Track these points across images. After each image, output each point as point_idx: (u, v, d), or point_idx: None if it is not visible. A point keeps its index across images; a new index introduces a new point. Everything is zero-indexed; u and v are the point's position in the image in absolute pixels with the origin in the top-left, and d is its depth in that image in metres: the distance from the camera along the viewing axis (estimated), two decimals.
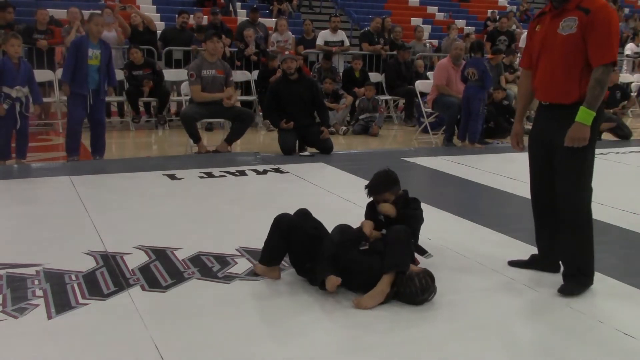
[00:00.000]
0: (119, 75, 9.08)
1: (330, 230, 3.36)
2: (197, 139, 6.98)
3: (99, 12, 7.35)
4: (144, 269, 3.39)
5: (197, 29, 9.88)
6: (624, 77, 12.70)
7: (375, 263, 3.07)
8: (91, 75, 6.30)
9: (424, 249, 3.57)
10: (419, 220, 3.45)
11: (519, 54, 11.62)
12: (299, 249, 3.27)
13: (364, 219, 3.49)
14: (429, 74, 10.61)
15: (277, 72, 8.79)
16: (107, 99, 9.33)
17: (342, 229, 3.31)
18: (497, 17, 13.17)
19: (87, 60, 6.23)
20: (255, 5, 12.23)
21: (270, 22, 12.12)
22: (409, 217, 3.36)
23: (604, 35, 3.04)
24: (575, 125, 3.06)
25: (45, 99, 7.93)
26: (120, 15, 9.75)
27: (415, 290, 2.97)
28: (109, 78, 6.52)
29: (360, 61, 10.26)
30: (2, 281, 3.17)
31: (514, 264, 3.56)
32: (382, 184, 3.43)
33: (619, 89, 9.41)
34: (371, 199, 3.50)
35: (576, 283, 3.23)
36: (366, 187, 3.47)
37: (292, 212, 3.43)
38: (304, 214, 3.43)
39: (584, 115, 3.04)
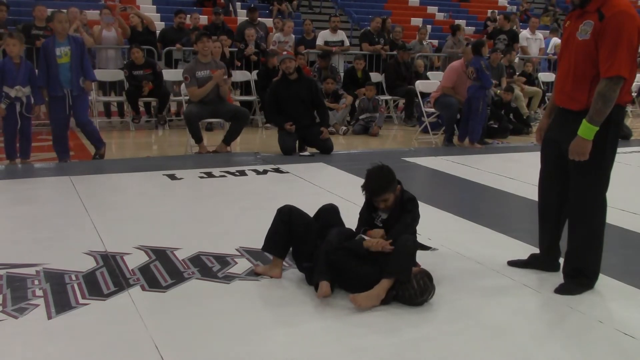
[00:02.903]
0: (119, 75, 9.12)
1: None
2: (199, 139, 6.99)
3: (64, 10, 7.15)
4: (144, 269, 3.39)
5: (193, 31, 9.88)
6: None
7: (371, 274, 3.04)
8: (64, 74, 6.14)
9: (426, 245, 3.56)
10: (414, 226, 3.33)
11: (518, 54, 11.64)
12: (299, 234, 3.30)
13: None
14: (429, 74, 10.62)
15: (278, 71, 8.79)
16: (107, 99, 9.43)
17: (340, 232, 3.30)
18: (497, 16, 13.13)
19: (55, 60, 6.09)
20: (252, 5, 12.23)
21: (270, 22, 12.12)
22: (406, 226, 3.24)
23: (612, 46, 2.89)
24: (577, 139, 2.99)
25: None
26: (120, 16, 9.75)
27: (413, 292, 2.97)
28: (84, 73, 6.26)
29: (362, 61, 10.27)
30: (2, 281, 3.17)
31: (513, 263, 3.56)
32: (381, 186, 3.24)
33: None
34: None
35: (575, 283, 3.22)
36: (364, 188, 3.28)
37: None
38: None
39: (585, 130, 2.95)
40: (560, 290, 3.20)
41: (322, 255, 3.12)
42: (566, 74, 3.13)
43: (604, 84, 2.92)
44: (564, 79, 3.16)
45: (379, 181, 3.26)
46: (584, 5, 3.04)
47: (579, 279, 3.22)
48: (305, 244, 3.29)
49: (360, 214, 3.46)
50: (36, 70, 6.28)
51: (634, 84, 13.25)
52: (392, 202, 3.27)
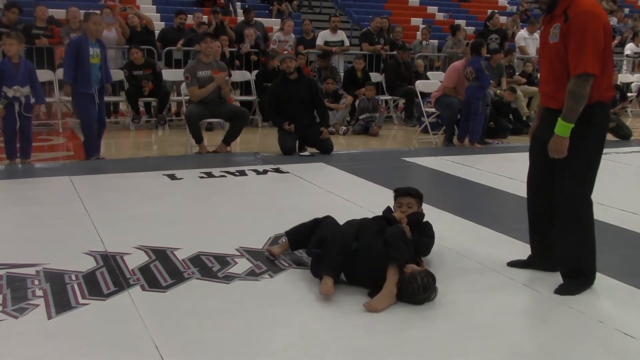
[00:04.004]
0: (120, 75, 9.12)
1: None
2: (199, 139, 6.99)
3: (97, 11, 7.36)
4: (144, 269, 3.39)
5: (198, 27, 9.90)
6: (624, 77, 12.70)
7: (380, 254, 3.10)
8: (95, 74, 6.32)
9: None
10: (429, 248, 3.55)
11: (517, 54, 11.63)
12: (320, 226, 3.46)
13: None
14: (429, 74, 10.62)
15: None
16: (107, 99, 9.41)
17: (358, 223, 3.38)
18: (489, 16, 13.06)
19: (89, 59, 6.24)
20: (247, 6, 12.22)
21: (269, 22, 12.12)
22: (421, 245, 3.47)
23: (577, 44, 2.98)
24: (554, 137, 3.07)
25: (46, 99, 7.92)
26: (120, 17, 9.75)
27: (417, 287, 2.98)
28: (105, 75, 6.56)
29: (361, 61, 10.27)
30: (2, 281, 3.17)
31: (513, 264, 3.55)
32: (412, 190, 3.66)
33: (617, 90, 9.41)
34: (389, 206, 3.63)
35: (575, 283, 3.22)
36: (395, 190, 3.69)
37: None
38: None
39: (560, 128, 3.04)
40: (560, 290, 3.20)
41: (334, 248, 3.14)
42: (546, 76, 3.23)
43: (573, 82, 3.00)
44: (545, 81, 3.26)
45: (412, 188, 3.71)
46: (552, 9, 3.14)
47: (578, 279, 3.23)
48: (322, 230, 3.39)
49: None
50: (39, 71, 6.34)
51: (634, 84, 13.26)
52: (411, 212, 3.51)
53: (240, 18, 12.74)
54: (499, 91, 9.17)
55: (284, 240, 3.67)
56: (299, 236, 3.54)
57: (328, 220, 3.52)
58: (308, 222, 3.57)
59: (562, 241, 3.25)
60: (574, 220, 3.20)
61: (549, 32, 3.13)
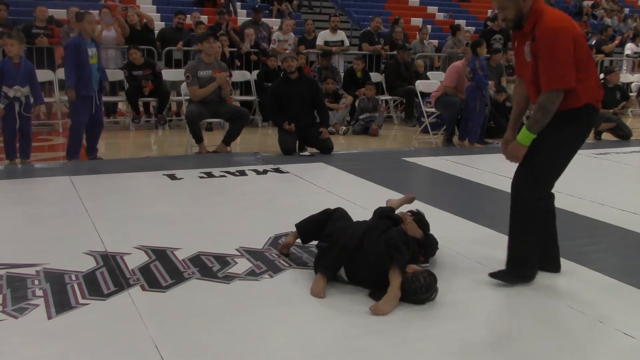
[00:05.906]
0: (120, 75, 9.12)
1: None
2: (199, 138, 6.99)
3: (93, 11, 7.28)
4: (144, 269, 3.39)
5: (196, 26, 9.90)
6: (624, 77, 12.70)
7: (381, 254, 3.11)
8: (94, 75, 6.27)
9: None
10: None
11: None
12: (331, 221, 3.46)
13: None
14: (429, 74, 10.62)
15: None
16: (107, 99, 9.42)
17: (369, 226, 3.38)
18: (492, 16, 13.05)
19: (89, 60, 6.18)
20: (257, 5, 12.23)
21: (269, 22, 12.12)
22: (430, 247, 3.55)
23: (546, 62, 3.01)
24: (514, 143, 3.14)
25: (46, 99, 7.92)
26: (120, 16, 9.75)
27: (419, 286, 2.99)
28: (103, 74, 6.50)
29: (360, 62, 10.26)
30: (2, 281, 3.17)
31: None
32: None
33: (618, 90, 9.42)
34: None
35: (511, 274, 3.27)
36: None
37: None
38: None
39: (522, 136, 3.10)
40: (496, 274, 3.28)
41: (337, 248, 3.16)
42: (534, 93, 3.20)
43: (544, 97, 3.05)
44: (534, 97, 3.22)
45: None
46: (520, 27, 3.16)
47: (515, 271, 3.27)
48: (332, 225, 3.40)
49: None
50: (39, 71, 6.33)
51: (634, 84, 13.21)
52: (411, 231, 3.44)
53: (240, 18, 12.76)
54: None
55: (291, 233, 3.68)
56: (309, 228, 3.54)
57: (339, 213, 3.52)
58: (318, 214, 3.56)
59: (511, 232, 3.29)
60: (525, 216, 3.22)
61: (523, 50, 3.16)
